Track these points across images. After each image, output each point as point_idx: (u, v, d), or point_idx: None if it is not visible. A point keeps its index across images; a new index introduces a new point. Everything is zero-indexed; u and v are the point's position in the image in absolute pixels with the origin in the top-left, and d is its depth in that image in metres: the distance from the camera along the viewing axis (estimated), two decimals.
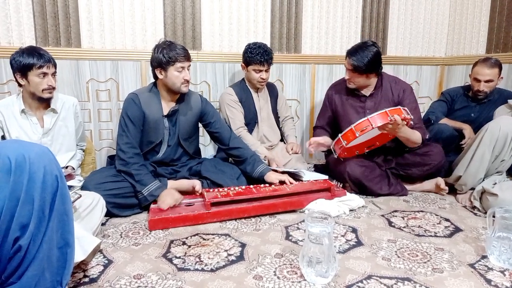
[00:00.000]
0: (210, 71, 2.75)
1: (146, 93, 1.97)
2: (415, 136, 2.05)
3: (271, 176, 2.01)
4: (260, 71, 2.37)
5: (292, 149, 2.53)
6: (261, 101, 2.53)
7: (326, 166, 2.50)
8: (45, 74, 1.73)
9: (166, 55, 1.86)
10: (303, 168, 2.45)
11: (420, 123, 2.17)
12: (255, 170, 2.04)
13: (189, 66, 1.94)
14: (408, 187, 2.22)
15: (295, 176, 2.10)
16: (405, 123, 1.94)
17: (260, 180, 2.03)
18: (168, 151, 2.04)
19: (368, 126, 1.85)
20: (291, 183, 1.99)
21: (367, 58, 2.04)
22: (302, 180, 2.08)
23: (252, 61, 2.34)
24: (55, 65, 1.80)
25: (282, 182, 2.00)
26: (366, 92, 2.23)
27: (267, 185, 1.98)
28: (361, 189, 2.12)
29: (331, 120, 2.39)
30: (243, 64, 2.44)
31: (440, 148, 2.16)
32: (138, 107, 1.92)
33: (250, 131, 2.49)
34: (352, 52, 2.09)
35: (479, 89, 2.37)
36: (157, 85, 2.00)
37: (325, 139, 2.22)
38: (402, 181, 2.23)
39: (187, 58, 1.91)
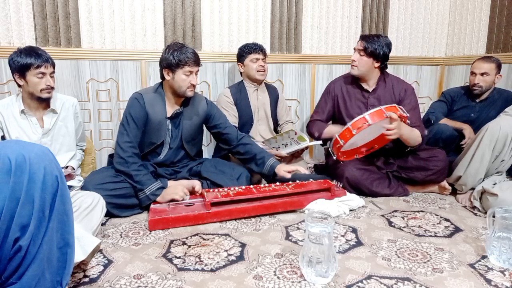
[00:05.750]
0: (210, 71, 2.75)
1: (151, 93, 1.96)
2: (415, 134, 2.04)
3: (281, 170, 1.96)
4: (258, 59, 2.40)
5: None
6: (259, 99, 2.52)
7: (325, 166, 2.50)
8: (43, 74, 1.72)
9: (176, 57, 1.85)
10: (303, 167, 2.44)
11: (419, 122, 2.16)
12: (266, 164, 2.01)
13: (198, 71, 1.93)
14: (410, 188, 2.22)
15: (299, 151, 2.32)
16: (403, 122, 1.93)
17: (270, 175, 2.01)
18: (170, 153, 2.04)
19: (365, 124, 1.84)
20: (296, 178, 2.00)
21: (378, 42, 2.11)
22: (303, 148, 2.30)
23: (247, 52, 2.39)
24: (53, 65, 1.78)
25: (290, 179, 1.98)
26: (369, 87, 2.24)
27: (267, 185, 1.98)
28: (361, 193, 2.10)
29: (330, 116, 2.40)
30: (239, 63, 2.46)
31: (444, 153, 2.15)
32: (141, 107, 1.91)
33: (247, 130, 2.49)
34: (366, 35, 2.19)
35: (475, 82, 2.39)
36: (163, 86, 1.99)
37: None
38: (404, 183, 2.21)
39: (197, 63, 1.90)
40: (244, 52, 2.41)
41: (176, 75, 1.88)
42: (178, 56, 1.85)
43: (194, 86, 1.92)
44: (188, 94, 1.93)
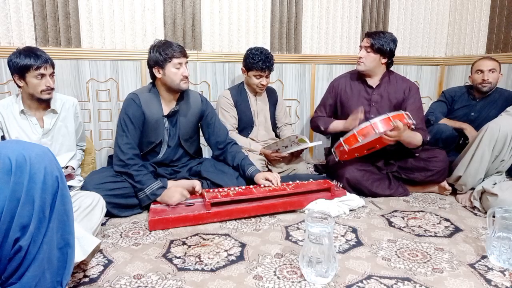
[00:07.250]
0: (210, 71, 2.75)
1: (146, 93, 1.97)
2: (417, 138, 2.04)
3: (259, 178, 2.00)
4: (261, 76, 2.37)
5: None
6: (259, 104, 2.51)
7: (325, 166, 2.50)
8: (43, 75, 1.70)
9: (162, 53, 1.86)
10: (303, 167, 2.45)
11: (422, 124, 2.16)
12: (246, 173, 2.04)
13: (187, 62, 1.94)
14: (410, 188, 2.21)
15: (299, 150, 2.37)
16: (407, 128, 1.93)
17: (250, 179, 2.04)
18: (168, 151, 2.04)
19: (371, 132, 1.84)
20: (277, 184, 1.97)
21: (385, 38, 2.14)
22: (303, 148, 2.34)
23: (254, 67, 2.33)
24: (52, 66, 1.77)
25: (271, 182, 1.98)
26: (373, 83, 2.25)
27: (267, 185, 1.98)
28: (361, 193, 2.10)
29: (333, 112, 2.41)
30: (243, 68, 2.43)
31: (445, 154, 2.15)
32: (138, 107, 1.91)
33: (247, 134, 2.48)
34: (372, 32, 2.22)
35: (484, 78, 2.39)
36: (156, 85, 1.99)
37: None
38: (404, 184, 2.21)
39: (184, 54, 1.92)
40: (251, 63, 2.32)
41: (167, 70, 1.89)
42: (164, 51, 1.86)
43: (186, 77, 1.93)
44: (182, 87, 1.93)
